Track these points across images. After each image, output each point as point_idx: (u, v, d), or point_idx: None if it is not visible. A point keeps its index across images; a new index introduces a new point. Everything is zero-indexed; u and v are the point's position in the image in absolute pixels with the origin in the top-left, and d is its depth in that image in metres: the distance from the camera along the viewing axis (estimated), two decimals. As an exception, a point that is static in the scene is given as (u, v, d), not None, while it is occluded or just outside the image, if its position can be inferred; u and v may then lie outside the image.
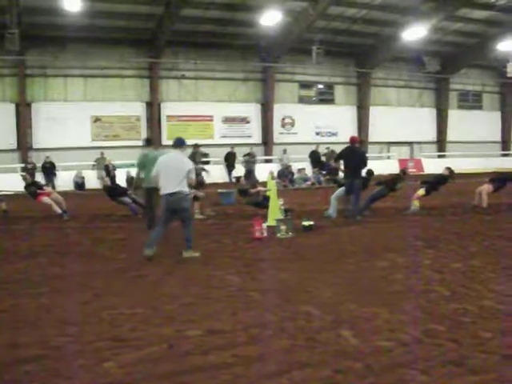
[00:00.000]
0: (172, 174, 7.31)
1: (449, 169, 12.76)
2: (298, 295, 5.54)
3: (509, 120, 37.05)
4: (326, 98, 32.26)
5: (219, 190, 15.82)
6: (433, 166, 28.07)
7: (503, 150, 36.90)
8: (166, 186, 7.33)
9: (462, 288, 5.71)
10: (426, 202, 12.65)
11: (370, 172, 12.26)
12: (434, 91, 34.79)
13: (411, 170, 28.45)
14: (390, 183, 12.28)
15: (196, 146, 20.04)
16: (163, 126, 27.91)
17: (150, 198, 9.67)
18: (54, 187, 20.94)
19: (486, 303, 5.14)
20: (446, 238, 8.84)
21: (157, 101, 27.37)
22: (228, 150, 26.07)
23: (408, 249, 8.02)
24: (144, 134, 26.91)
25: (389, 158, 32.73)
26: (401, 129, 32.74)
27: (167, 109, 27.93)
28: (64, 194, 14.71)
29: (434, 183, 12.56)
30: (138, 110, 27.38)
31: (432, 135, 34.76)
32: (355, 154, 11.39)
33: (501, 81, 35.87)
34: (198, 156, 19.24)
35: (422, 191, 12.28)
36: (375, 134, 32.07)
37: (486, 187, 12.48)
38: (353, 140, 11.68)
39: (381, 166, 28.06)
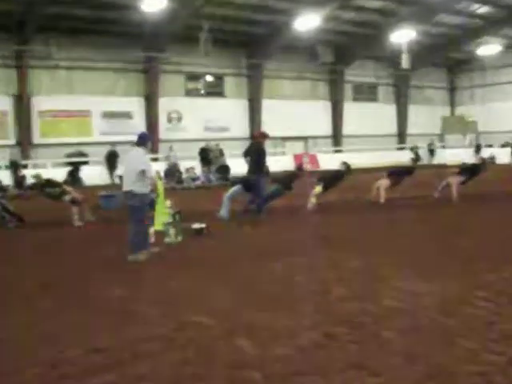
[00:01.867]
0: (127, 173, 7.85)
1: (345, 164, 13.20)
2: (188, 304, 5.42)
3: (404, 112, 39.38)
4: (215, 90, 32.25)
5: (101, 193, 15.15)
6: (329, 161, 29.11)
7: (399, 143, 39.25)
8: (124, 184, 7.89)
9: (362, 287, 5.84)
10: (323, 199, 12.94)
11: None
12: (329, 83, 36.14)
13: (307, 166, 29.33)
14: (286, 181, 12.44)
15: None
16: (34, 122, 26.26)
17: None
18: None
19: (386, 302, 5.28)
20: (343, 236, 9.09)
21: (26, 94, 25.70)
22: (109, 148, 25.16)
23: (306, 249, 8.15)
24: (12, 132, 25.08)
25: (283, 153, 33.50)
26: (295, 123, 33.60)
27: (39, 103, 26.34)
28: None
29: (331, 179, 12.92)
30: (5, 104, 25.53)
31: (327, 129, 36.13)
32: (255, 150, 11.85)
33: (395, 73, 38.14)
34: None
35: (319, 188, 12.54)
36: (268, 128, 32.32)
37: (384, 182, 13.02)
38: (254, 136, 12.06)
39: (275, 162, 28.75)
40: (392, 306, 5.16)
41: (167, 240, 9.10)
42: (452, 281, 5.95)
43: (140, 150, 7.86)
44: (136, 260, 7.56)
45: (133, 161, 7.79)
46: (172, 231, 9.14)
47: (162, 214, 10.17)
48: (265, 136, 12.31)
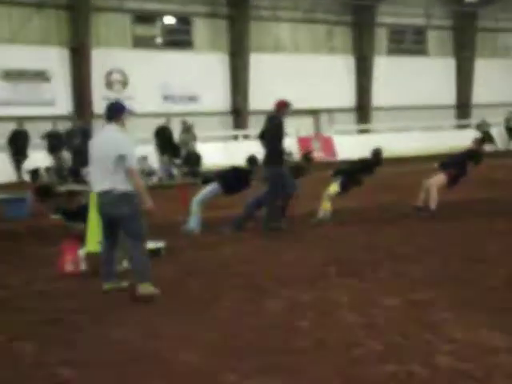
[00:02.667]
0: (98, 163, 7.79)
1: (377, 151, 13.29)
2: (138, 364, 5.48)
3: (467, 71, 39.57)
4: (178, 39, 32.36)
5: (1, 196, 15.24)
6: (351, 146, 29.22)
7: (460, 117, 39.54)
8: (96, 182, 7.89)
9: (402, 338, 5.89)
10: (340, 204, 13.07)
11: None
12: (352, 28, 36.34)
13: (318, 155, 29.42)
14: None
15: None
16: None
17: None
18: None
19: (441, 360, 5.31)
20: (373, 260, 9.18)
21: None
22: (14, 127, 25.07)
23: (315, 279, 8.22)
24: None
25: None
26: (300, 89, 33.62)
27: None
28: None
29: (353, 173, 13.03)
30: None
31: (349, 98, 36.22)
32: (272, 128, 12.13)
33: (455, 9, 38.32)
34: None
35: (334, 187, 12.70)
36: (260, 96, 32.59)
37: (438, 180, 13.09)
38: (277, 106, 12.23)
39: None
40: (449, 367, 5.18)
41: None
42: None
43: (113, 128, 7.82)
44: (150, 293, 7.51)
45: (106, 144, 7.71)
46: (114, 254, 9.14)
47: (98, 230, 10.12)
48: (284, 106, 12.31)
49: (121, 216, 7.66)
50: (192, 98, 31.77)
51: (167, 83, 31.11)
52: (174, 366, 5.48)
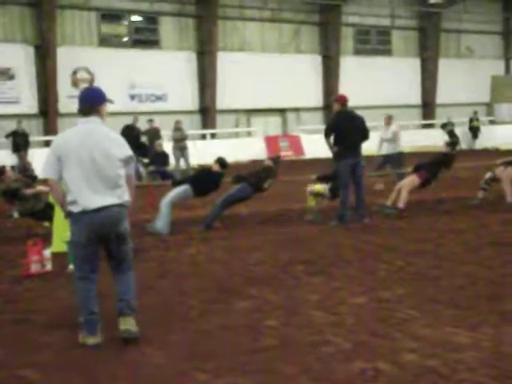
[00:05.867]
0: (90, 171, 6.08)
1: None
2: (105, 367, 5.46)
3: (432, 71, 39.96)
4: (146, 38, 32.22)
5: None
6: (318, 145, 29.18)
7: (425, 117, 39.96)
8: (85, 196, 6.07)
9: (370, 336, 5.96)
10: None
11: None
12: (319, 27, 36.52)
13: (285, 154, 29.47)
14: (256, 179, 12.56)
15: None
16: None
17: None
18: None
19: (408, 357, 5.40)
20: (341, 258, 9.27)
21: None
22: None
23: (283, 278, 8.27)
24: None
25: (249, 134, 33.51)
26: (267, 88, 33.71)
27: None
28: None
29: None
30: None
31: (316, 98, 36.33)
32: (355, 122, 12.33)
33: (420, 10, 38.76)
34: None
35: (319, 186, 12.93)
36: (227, 95, 32.70)
37: (411, 181, 13.31)
38: (344, 100, 12.46)
39: (237, 147, 28.76)
40: (416, 364, 5.26)
41: (71, 267, 8.99)
42: (508, 326, 6.10)
43: (97, 121, 6.29)
44: (132, 332, 6.10)
45: (100, 143, 6.14)
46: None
47: (64, 229, 10.03)
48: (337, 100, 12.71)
49: (124, 233, 6.30)
50: (159, 97, 31.64)
51: (134, 82, 30.94)
52: (143, 368, 5.48)
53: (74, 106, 31.20)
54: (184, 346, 5.91)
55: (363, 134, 12.30)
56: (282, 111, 35.33)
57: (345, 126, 12.12)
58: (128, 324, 6.07)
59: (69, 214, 6.16)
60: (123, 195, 6.21)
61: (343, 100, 12.46)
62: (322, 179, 13.17)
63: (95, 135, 6.14)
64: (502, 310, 6.62)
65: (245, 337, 6.07)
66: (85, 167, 6.03)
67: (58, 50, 28.83)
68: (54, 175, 6.14)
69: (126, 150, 6.26)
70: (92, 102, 6.34)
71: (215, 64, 32.46)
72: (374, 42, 38.84)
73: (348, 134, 12.05)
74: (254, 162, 24.82)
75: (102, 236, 6.14)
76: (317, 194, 12.99)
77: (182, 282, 8.37)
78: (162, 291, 7.91)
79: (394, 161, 17.62)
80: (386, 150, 17.90)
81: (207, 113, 32.55)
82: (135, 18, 31.84)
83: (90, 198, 6.04)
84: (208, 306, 7.15)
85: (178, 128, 23.60)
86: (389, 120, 18.46)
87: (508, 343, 5.63)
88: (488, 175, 13.96)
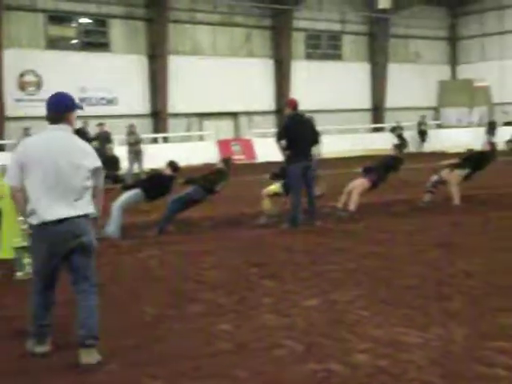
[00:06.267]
0: (53, 181, 5.72)
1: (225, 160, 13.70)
2: (54, 376, 5.41)
3: (381, 75, 40.38)
4: (95, 40, 31.97)
5: None
6: (270, 149, 29.23)
7: (375, 121, 40.37)
8: (44, 207, 5.72)
9: (322, 337, 6.02)
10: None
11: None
12: (270, 32, 36.62)
13: (237, 158, 29.46)
14: (208, 182, 12.57)
15: None
16: None
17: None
18: None
19: (359, 358, 5.46)
20: (293, 261, 9.31)
21: None
22: None
23: (236, 281, 8.29)
24: None
25: (201, 138, 33.44)
26: (219, 92, 33.68)
27: None
28: None
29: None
30: None
31: (268, 102, 36.41)
32: (306, 126, 12.48)
33: (369, 15, 39.17)
34: None
35: (275, 186, 12.90)
36: (179, 99, 32.56)
37: (361, 183, 13.44)
38: (295, 104, 12.50)
39: (189, 151, 28.67)
40: (367, 364, 5.33)
41: (20, 275, 8.91)
42: (456, 326, 6.21)
43: (66, 129, 5.94)
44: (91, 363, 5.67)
45: (68, 153, 5.80)
46: (27, 260, 8.87)
47: (13, 234, 9.91)
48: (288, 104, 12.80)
49: (89, 245, 5.88)
50: (110, 101, 31.40)
51: (84, 85, 30.61)
52: (94, 375, 5.42)
53: (21, 109, 30.96)
54: (136, 352, 5.88)
55: (314, 137, 12.40)
56: (234, 115, 35.33)
57: (296, 130, 12.21)
58: (90, 357, 5.62)
59: (29, 227, 5.82)
60: (87, 207, 5.84)
61: (294, 104, 12.55)
62: (275, 177, 13.25)
63: (63, 143, 5.80)
64: (450, 309, 6.74)
65: (198, 341, 6.07)
66: (48, 176, 5.67)
67: (4, 53, 28.40)
68: (16, 183, 5.78)
69: (95, 161, 5.91)
70: (61, 108, 5.94)
71: (166, 67, 32.33)
72: (325, 47, 39.09)
73: (299, 138, 12.14)
74: (207, 166, 24.79)
75: (64, 250, 5.72)
76: (274, 195, 13.04)
77: (135, 287, 8.33)
78: (114, 297, 7.83)
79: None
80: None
81: (159, 116, 32.39)
82: (84, 20, 31.52)
83: (50, 209, 5.66)
84: (161, 311, 7.12)
85: (131, 132, 23.47)
86: None
87: (456, 342, 5.74)
88: (434, 178, 14.16)
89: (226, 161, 13.76)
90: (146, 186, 12.34)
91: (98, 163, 5.94)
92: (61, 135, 5.85)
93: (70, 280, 5.91)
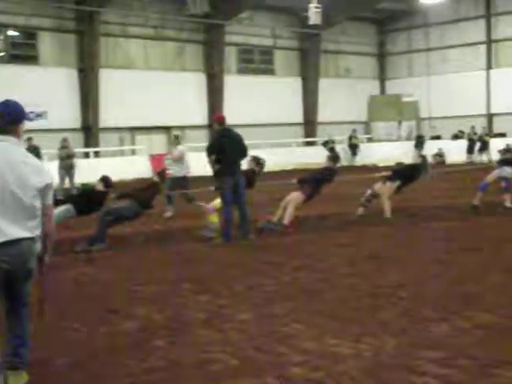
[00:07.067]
0: (3, 196, 5.17)
1: (256, 160, 13.73)
2: None
3: (312, 90, 40.65)
4: (24, 53, 31.45)
5: None
6: (204, 163, 29.20)
7: (307, 135, 40.66)
8: None
9: (257, 351, 6.02)
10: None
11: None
12: (203, 46, 36.63)
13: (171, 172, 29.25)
14: (142, 196, 12.54)
15: None
16: None
17: None
18: None
19: (294, 371, 5.47)
20: (228, 276, 9.34)
21: None
22: None
23: (170, 297, 8.26)
24: None
25: (134, 152, 33.17)
26: (152, 105, 33.42)
27: None
28: None
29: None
30: None
31: (201, 116, 36.30)
32: (234, 140, 12.50)
33: (301, 31, 39.45)
34: None
35: (218, 201, 12.90)
36: (110, 113, 32.16)
37: (296, 197, 13.47)
38: (222, 119, 12.66)
39: (121, 166, 28.38)
40: (302, 377, 5.35)
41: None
42: (388, 336, 6.28)
43: (14, 142, 5.39)
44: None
45: (14, 169, 5.23)
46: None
47: None
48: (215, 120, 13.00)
49: (32, 271, 5.44)
50: (39, 115, 30.83)
51: (12, 99, 29.96)
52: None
53: None
54: (68, 371, 5.79)
55: (242, 151, 12.45)
56: (167, 129, 35.12)
57: (225, 145, 12.28)
58: (19, 381, 5.28)
59: None
60: (36, 228, 5.29)
61: (221, 119, 12.72)
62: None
63: (10, 158, 5.21)
64: (382, 320, 6.82)
65: (131, 358, 5.99)
66: None
67: None
68: None
69: (45, 178, 5.34)
70: (9, 119, 5.41)
71: (98, 81, 31.92)
72: (258, 62, 39.31)
73: (228, 152, 12.21)
74: (140, 181, 24.63)
75: (8, 275, 5.16)
76: (219, 209, 12.91)
77: (66, 304, 8.17)
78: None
79: (181, 182, 16.26)
80: (173, 171, 16.21)
81: (90, 131, 31.92)
82: (12, 32, 30.99)
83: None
84: (93, 328, 7.02)
85: (64, 146, 23.15)
86: (176, 140, 17.61)
87: (387, 353, 5.81)
88: (368, 192, 14.34)
89: (160, 173, 13.74)
90: (78, 201, 12.18)
91: (48, 180, 5.38)
92: (6, 149, 5.26)
93: (4, 305, 5.40)
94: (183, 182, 16.31)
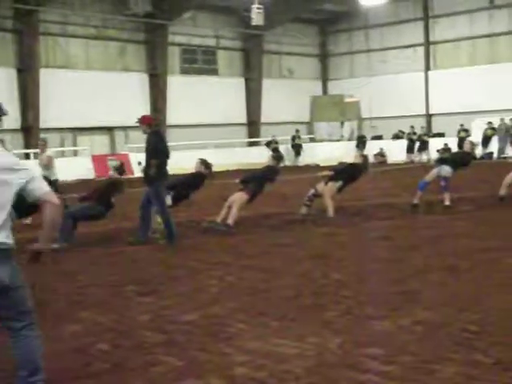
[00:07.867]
0: None
1: (204, 163, 13.75)
2: None
3: (256, 90, 40.89)
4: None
5: None
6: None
7: (250, 135, 40.87)
8: None
9: (201, 352, 6.04)
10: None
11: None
12: (145, 46, 36.50)
13: (114, 174, 29.10)
14: (102, 196, 12.48)
15: None
16: None
17: None
18: None
19: (238, 371, 5.50)
20: (172, 277, 9.34)
21: None
22: None
23: (113, 299, 8.22)
24: None
25: (76, 153, 32.84)
26: (93, 106, 33.11)
27: None
28: None
29: (186, 185, 13.38)
30: None
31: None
32: (164, 142, 12.48)
33: (243, 31, 39.58)
34: None
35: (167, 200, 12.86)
36: (51, 113, 31.67)
37: (240, 197, 13.49)
38: (152, 121, 12.62)
39: (63, 167, 28.08)
40: (246, 377, 5.38)
41: None
42: (331, 335, 6.36)
43: None
44: None
45: None
46: None
47: None
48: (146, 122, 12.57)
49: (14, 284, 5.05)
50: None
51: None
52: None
53: None
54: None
55: (168, 153, 12.38)
56: (109, 129, 34.89)
57: (160, 147, 12.23)
58: None
59: None
60: (10, 234, 4.93)
61: (150, 121, 12.51)
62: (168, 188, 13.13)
63: None
64: (325, 319, 6.89)
65: (75, 362, 5.95)
66: None
67: None
68: None
69: (26, 174, 4.99)
70: None
71: (38, 81, 31.43)
72: (201, 62, 39.27)
73: (161, 155, 12.14)
74: (82, 182, 24.39)
75: None
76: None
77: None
78: None
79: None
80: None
81: (30, 132, 31.44)
82: None
83: None
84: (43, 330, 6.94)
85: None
86: (43, 145, 16.62)
87: (331, 351, 5.86)
88: (311, 192, 14.44)
89: (118, 168, 13.59)
90: (15, 202, 11.92)
91: (30, 174, 5.00)
92: None
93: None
94: (52, 187, 15.87)
